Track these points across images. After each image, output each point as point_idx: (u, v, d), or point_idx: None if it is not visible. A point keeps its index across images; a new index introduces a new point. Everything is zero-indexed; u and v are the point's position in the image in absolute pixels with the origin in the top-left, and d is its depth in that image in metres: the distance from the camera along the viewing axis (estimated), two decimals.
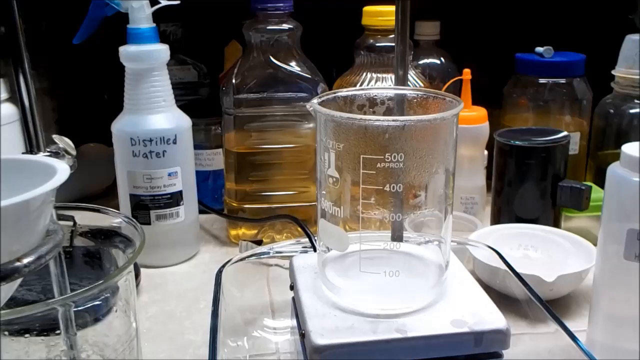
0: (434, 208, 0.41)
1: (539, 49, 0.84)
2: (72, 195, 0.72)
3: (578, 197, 0.70)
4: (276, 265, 0.57)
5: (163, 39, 0.70)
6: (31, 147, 0.55)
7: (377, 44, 0.75)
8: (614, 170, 0.49)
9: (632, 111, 0.79)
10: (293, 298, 0.46)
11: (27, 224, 0.36)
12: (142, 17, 0.67)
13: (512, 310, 0.47)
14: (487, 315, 0.40)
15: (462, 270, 0.46)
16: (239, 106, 0.72)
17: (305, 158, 0.75)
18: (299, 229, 0.66)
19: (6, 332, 0.46)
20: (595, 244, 0.65)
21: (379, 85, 0.74)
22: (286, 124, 0.73)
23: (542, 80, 0.84)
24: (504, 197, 0.73)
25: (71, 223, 0.50)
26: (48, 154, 0.53)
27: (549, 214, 0.72)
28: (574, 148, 0.83)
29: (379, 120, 0.39)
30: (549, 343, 0.45)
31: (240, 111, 0.72)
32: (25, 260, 0.36)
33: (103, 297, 0.48)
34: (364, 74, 0.76)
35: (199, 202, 0.75)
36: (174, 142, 0.69)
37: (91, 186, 0.87)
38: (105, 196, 0.87)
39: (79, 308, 0.47)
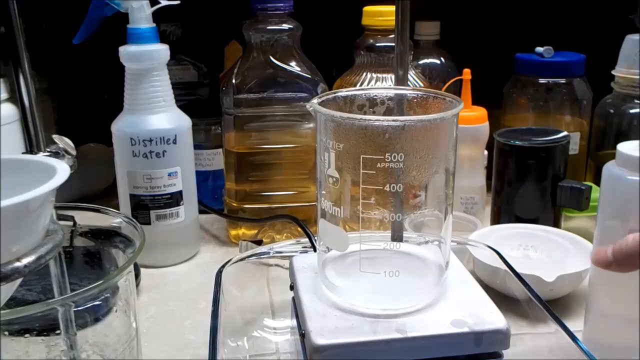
0: (434, 208, 0.41)
1: (539, 49, 0.84)
2: (72, 195, 0.72)
3: (578, 197, 0.70)
4: (276, 265, 0.57)
5: (163, 39, 0.70)
6: (31, 147, 0.55)
7: (377, 44, 0.75)
8: (610, 169, 0.49)
9: (632, 111, 0.79)
10: (293, 298, 0.46)
11: (27, 224, 0.36)
12: (142, 17, 0.67)
13: (512, 310, 0.47)
14: (487, 315, 0.40)
15: (462, 270, 0.46)
16: (239, 106, 0.72)
17: (305, 158, 0.75)
18: (299, 229, 0.66)
19: (6, 332, 0.46)
20: None
21: (379, 85, 0.74)
22: (286, 124, 0.73)
23: (542, 80, 0.84)
24: (503, 197, 0.73)
25: (71, 223, 0.50)
26: (48, 154, 0.53)
27: (549, 214, 0.72)
28: (574, 148, 0.83)
29: (379, 120, 0.39)
30: (549, 343, 0.45)
31: (240, 111, 0.72)
32: (25, 261, 0.36)
33: (103, 297, 0.48)
34: (364, 74, 0.76)
35: (199, 202, 0.75)
36: (174, 142, 0.69)
37: (91, 186, 0.87)
38: (105, 196, 0.87)
39: (79, 308, 0.47)
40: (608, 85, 0.82)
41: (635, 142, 0.48)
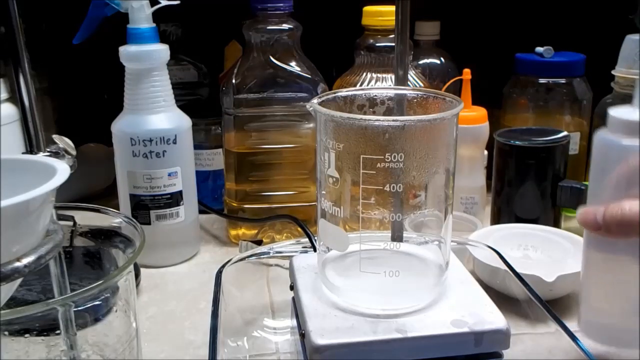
0: (434, 208, 0.41)
1: (539, 49, 0.84)
2: (72, 195, 0.72)
3: (578, 197, 0.70)
4: (276, 265, 0.57)
5: (163, 39, 0.70)
6: (31, 147, 0.55)
7: (377, 44, 0.75)
8: (603, 136, 0.47)
9: None
10: (293, 298, 0.46)
11: (27, 224, 0.36)
12: (142, 17, 0.67)
13: (512, 310, 0.47)
14: (487, 315, 0.40)
15: (462, 270, 0.46)
16: (239, 106, 0.72)
17: (305, 158, 0.75)
18: (299, 229, 0.66)
19: (6, 332, 0.46)
20: None
21: (379, 85, 0.74)
22: (286, 124, 0.73)
23: (542, 80, 0.84)
24: (504, 197, 0.73)
25: (71, 223, 0.50)
26: (48, 154, 0.53)
27: (549, 214, 0.72)
28: (574, 148, 0.83)
29: (379, 120, 0.39)
30: (549, 343, 0.45)
31: (240, 111, 0.72)
32: (25, 261, 0.36)
33: (103, 297, 0.48)
34: (364, 74, 0.75)
35: (199, 202, 0.75)
36: (174, 142, 0.69)
37: (91, 186, 0.87)
38: (105, 196, 0.87)
39: (79, 308, 0.47)
40: (608, 85, 0.82)
41: (627, 107, 0.46)
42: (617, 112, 0.46)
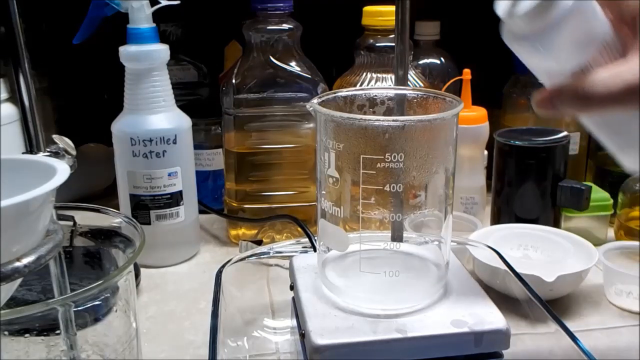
0: (434, 208, 0.41)
1: None
2: (72, 195, 0.71)
3: (578, 197, 0.70)
4: (276, 265, 0.57)
5: (163, 39, 0.70)
6: (31, 147, 0.55)
7: (377, 44, 0.75)
8: (515, 40, 0.42)
9: None
10: (293, 298, 0.46)
11: (27, 224, 0.36)
12: (142, 17, 0.67)
13: (512, 310, 0.47)
14: (487, 315, 0.40)
15: (462, 270, 0.46)
16: (239, 106, 0.72)
17: (305, 158, 0.75)
18: (299, 229, 0.66)
19: (6, 332, 0.46)
20: (595, 244, 0.65)
21: (379, 85, 0.74)
22: (286, 124, 0.73)
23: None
24: (504, 197, 0.73)
25: (71, 223, 0.50)
26: (48, 154, 0.53)
27: (549, 214, 0.72)
28: (574, 148, 0.83)
29: (379, 120, 0.39)
30: (549, 343, 0.45)
31: (240, 111, 0.72)
32: (25, 261, 0.36)
33: (103, 297, 0.48)
34: (364, 74, 0.75)
35: (199, 202, 0.75)
36: (174, 142, 0.69)
37: (91, 186, 0.87)
38: (105, 196, 0.87)
39: (79, 308, 0.47)
40: None
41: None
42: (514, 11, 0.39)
